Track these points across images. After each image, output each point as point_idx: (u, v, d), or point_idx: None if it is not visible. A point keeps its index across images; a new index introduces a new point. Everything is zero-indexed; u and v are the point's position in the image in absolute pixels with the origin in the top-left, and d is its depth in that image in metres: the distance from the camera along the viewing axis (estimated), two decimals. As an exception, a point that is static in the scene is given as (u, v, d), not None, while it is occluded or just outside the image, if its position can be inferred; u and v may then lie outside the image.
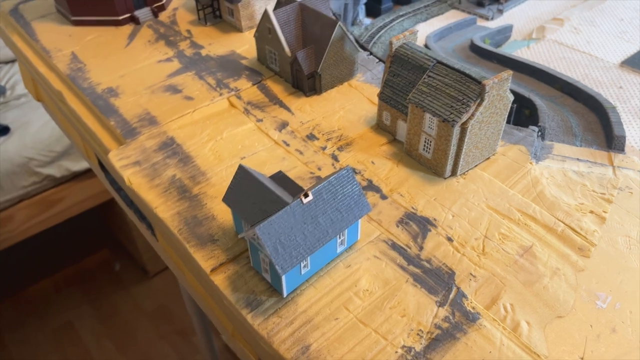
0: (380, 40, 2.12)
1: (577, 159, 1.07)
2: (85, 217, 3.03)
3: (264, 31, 1.24)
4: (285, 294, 0.82)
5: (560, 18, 2.13)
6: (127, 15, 1.52)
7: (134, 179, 1.04)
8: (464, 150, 0.97)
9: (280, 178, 0.90)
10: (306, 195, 0.79)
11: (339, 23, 1.13)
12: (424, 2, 2.51)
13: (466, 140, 0.96)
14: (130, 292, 3.30)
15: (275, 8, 1.26)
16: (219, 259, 0.88)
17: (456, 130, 0.94)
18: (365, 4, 2.34)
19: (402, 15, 2.36)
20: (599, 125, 1.18)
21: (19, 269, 3.33)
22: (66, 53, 1.42)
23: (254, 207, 0.82)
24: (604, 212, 0.95)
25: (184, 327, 3.06)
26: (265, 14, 1.19)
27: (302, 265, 0.81)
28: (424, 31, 2.20)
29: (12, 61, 3.14)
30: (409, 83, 1.03)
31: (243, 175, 0.83)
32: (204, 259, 0.88)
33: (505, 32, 2.07)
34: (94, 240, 3.56)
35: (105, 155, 1.13)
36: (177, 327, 3.07)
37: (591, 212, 0.95)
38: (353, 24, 2.22)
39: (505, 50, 1.99)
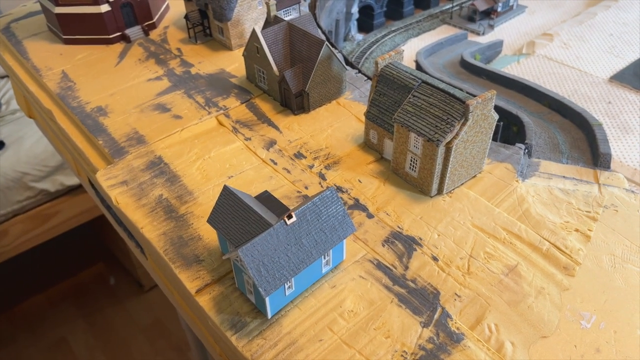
0: (372, 56, 2.14)
1: (563, 177, 1.07)
2: (79, 231, 3.02)
3: (253, 50, 1.25)
4: (269, 316, 0.82)
5: (550, 33, 2.16)
6: (118, 33, 1.53)
7: (121, 198, 1.04)
8: (449, 169, 0.98)
9: (265, 198, 0.91)
10: (290, 217, 0.79)
11: (326, 42, 1.13)
12: (415, 17, 2.55)
13: (451, 159, 0.96)
14: (125, 307, 3.28)
15: (264, 27, 1.27)
16: (204, 279, 0.88)
17: (441, 149, 0.94)
18: (357, 19, 2.38)
19: (394, 31, 2.39)
20: (585, 142, 1.19)
21: (13, 283, 3.31)
22: (56, 72, 1.43)
23: (238, 229, 0.82)
24: (589, 230, 0.95)
25: (180, 342, 3.04)
26: (254, 33, 1.20)
27: (287, 286, 0.81)
28: (416, 46, 2.22)
29: (7, 76, 3.15)
30: (395, 102, 1.04)
31: (227, 196, 0.84)
32: (189, 280, 0.88)
33: (495, 47, 2.10)
34: (88, 254, 3.54)
35: (93, 175, 1.13)
36: (172, 343, 3.05)
37: (576, 230, 0.95)
38: (345, 39, 2.25)
39: (496, 65, 2.01)
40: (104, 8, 1.48)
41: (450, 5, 2.48)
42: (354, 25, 2.33)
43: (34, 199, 2.75)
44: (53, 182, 2.78)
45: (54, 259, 3.42)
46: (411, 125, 0.97)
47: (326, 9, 1.84)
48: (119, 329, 3.14)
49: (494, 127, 1.01)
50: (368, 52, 2.10)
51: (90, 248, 3.56)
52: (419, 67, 1.89)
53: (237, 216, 0.82)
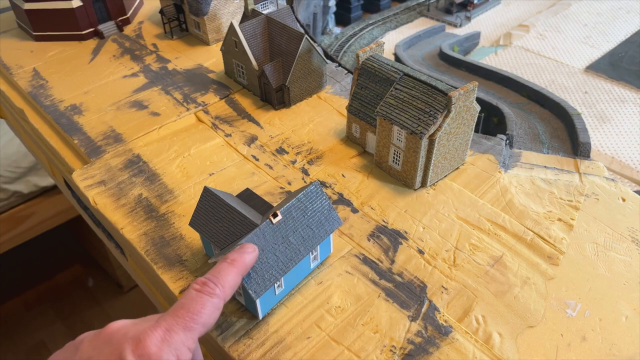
0: (351, 49, 2.13)
1: (545, 167, 1.08)
2: (55, 233, 2.95)
3: (231, 44, 1.22)
4: (260, 317, 0.80)
5: (526, 24, 2.18)
6: (91, 29, 1.49)
7: (99, 199, 1.01)
8: (432, 161, 0.97)
9: (247, 196, 0.89)
10: (275, 215, 0.78)
11: (306, 36, 1.12)
12: (393, 10, 2.54)
13: (434, 151, 0.96)
14: (104, 308, 3.22)
15: (242, 21, 1.25)
16: (187, 280, 0.86)
17: (424, 142, 0.94)
18: (335, 13, 2.36)
19: (371, 24, 2.38)
20: (564, 131, 1.20)
21: (-13, 288, 3.23)
22: (28, 70, 1.38)
23: (223, 230, 0.80)
24: (572, 219, 0.96)
25: (161, 342, 3.00)
26: (231, 27, 1.17)
27: (276, 285, 0.80)
28: (394, 39, 2.22)
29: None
30: (377, 95, 1.03)
31: (209, 198, 0.82)
32: (172, 281, 0.86)
33: (473, 39, 2.11)
34: (65, 256, 3.47)
35: (69, 175, 1.10)
36: (154, 343, 3.00)
37: (559, 219, 0.96)
38: (323, 33, 2.23)
39: (474, 56, 2.02)
40: (76, 3, 1.43)
41: (427, -2, 2.49)
42: (331, 18, 2.31)
43: (6, 201, 2.68)
44: (26, 183, 2.71)
45: (30, 262, 3.34)
46: (394, 118, 0.96)
47: (303, 2, 1.81)
48: (99, 331, 3.08)
49: (476, 118, 1.01)
50: (346, 46, 2.09)
51: (67, 250, 3.49)
52: (398, 59, 1.89)
53: (220, 218, 0.81)
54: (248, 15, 1.25)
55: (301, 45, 1.13)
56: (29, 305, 3.24)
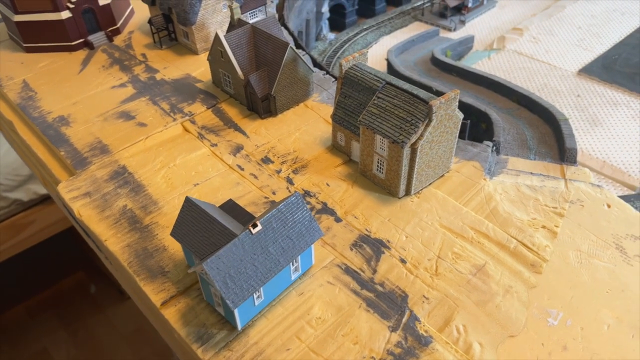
0: (345, 55, 2.14)
1: (531, 173, 1.07)
2: (57, 240, 2.97)
3: (217, 54, 1.23)
4: (239, 327, 0.80)
5: (520, 28, 2.17)
6: (81, 40, 1.50)
7: (84, 211, 1.02)
8: (415, 169, 0.97)
9: (230, 207, 0.89)
10: (255, 226, 0.78)
11: (290, 45, 1.12)
12: (387, 14, 2.55)
13: (417, 160, 0.96)
14: (106, 315, 3.23)
15: (228, 30, 1.25)
16: (169, 291, 0.86)
17: (406, 151, 0.94)
18: (329, 18, 2.36)
19: (366, 29, 2.38)
20: (552, 137, 1.20)
21: (-11, 296, 3.24)
22: (17, 81, 1.39)
23: (203, 240, 0.80)
24: (556, 226, 0.95)
25: (163, 348, 3.00)
26: (217, 37, 1.18)
27: (255, 296, 0.80)
28: (388, 44, 2.22)
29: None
30: (360, 104, 1.03)
31: (190, 208, 0.82)
32: (154, 292, 0.86)
33: (467, 43, 2.11)
34: (67, 263, 3.48)
35: (55, 187, 1.11)
36: (155, 349, 3.01)
37: (543, 227, 0.95)
38: (317, 39, 2.23)
39: (467, 61, 2.02)
40: (65, 14, 1.44)
41: (422, 2, 2.48)
42: (325, 24, 2.31)
43: (7, 209, 2.69)
44: (26, 191, 2.72)
45: (32, 269, 3.36)
46: (376, 127, 0.96)
47: (295, 9, 1.82)
48: (101, 338, 3.09)
49: (459, 126, 1.00)
50: (340, 51, 2.09)
51: (69, 256, 3.50)
52: (390, 65, 1.89)
53: (200, 228, 0.81)
54: (234, 25, 1.25)
55: (286, 55, 1.13)
56: (32, 312, 3.25)
